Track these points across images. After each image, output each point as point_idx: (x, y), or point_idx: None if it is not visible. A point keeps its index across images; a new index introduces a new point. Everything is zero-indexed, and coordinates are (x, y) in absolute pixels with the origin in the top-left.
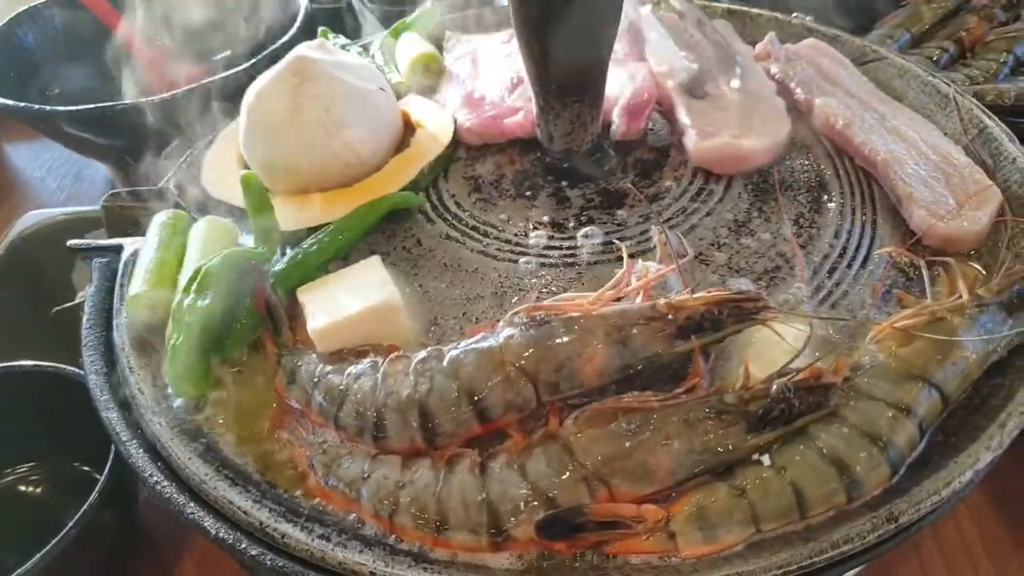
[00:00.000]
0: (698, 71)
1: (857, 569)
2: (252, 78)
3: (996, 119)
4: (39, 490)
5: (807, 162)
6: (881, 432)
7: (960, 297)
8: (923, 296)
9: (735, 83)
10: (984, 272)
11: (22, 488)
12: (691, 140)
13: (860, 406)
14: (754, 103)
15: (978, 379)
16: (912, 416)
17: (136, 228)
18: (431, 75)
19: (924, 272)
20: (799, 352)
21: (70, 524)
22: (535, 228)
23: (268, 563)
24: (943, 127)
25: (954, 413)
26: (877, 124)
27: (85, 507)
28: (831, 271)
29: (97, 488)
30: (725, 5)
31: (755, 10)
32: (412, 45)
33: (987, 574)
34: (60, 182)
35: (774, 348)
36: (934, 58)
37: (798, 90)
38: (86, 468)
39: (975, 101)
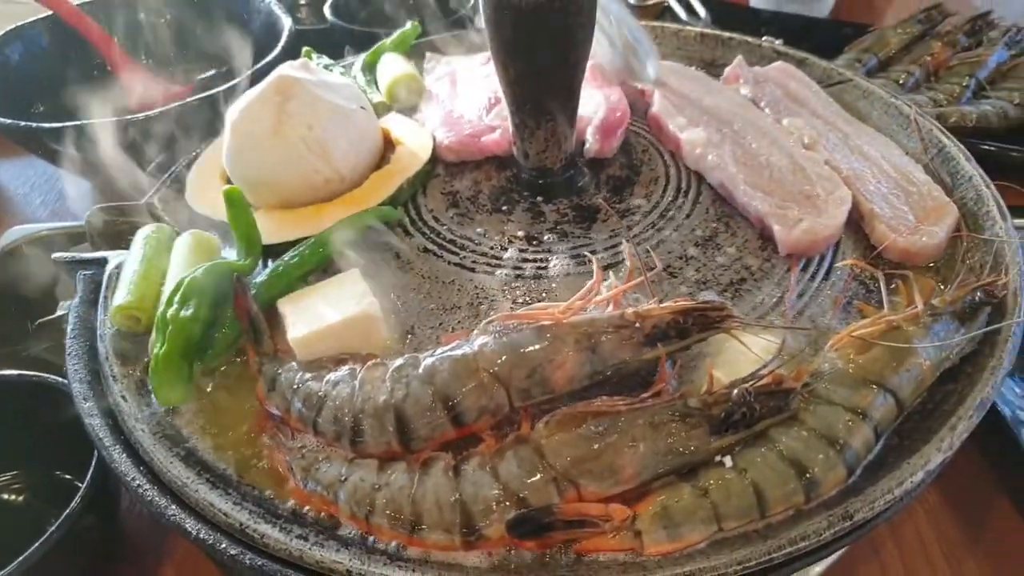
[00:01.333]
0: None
1: (818, 569)
2: (236, 96)
3: (954, 139)
4: (20, 499)
5: None
6: (838, 435)
7: (915, 307)
8: (882, 307)
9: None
10: (941, 285)
11: (4, 496)
12: (781, 229)
13: (819, 410)
14: (803, 170)
15: (932, 385)
16: (868, 420)
17: (120, 242)
18: (411, 95)
19: (882, 283)
20: (770, 363)
21: (52, 529)
22: (511, 242)
23: (248, 562)
24: (905, 147)
25: (909, 417)
26: (841, 143)
27: (67, 512)
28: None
29: (80, 493)
30: (699, 29)
31: (726, 33)
32: (392, 66)
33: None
34: (44, 198)
35: (741, 357)
36: (900, 81)
37: (766, 111)
38: (68, 477)
39: (935, 122)
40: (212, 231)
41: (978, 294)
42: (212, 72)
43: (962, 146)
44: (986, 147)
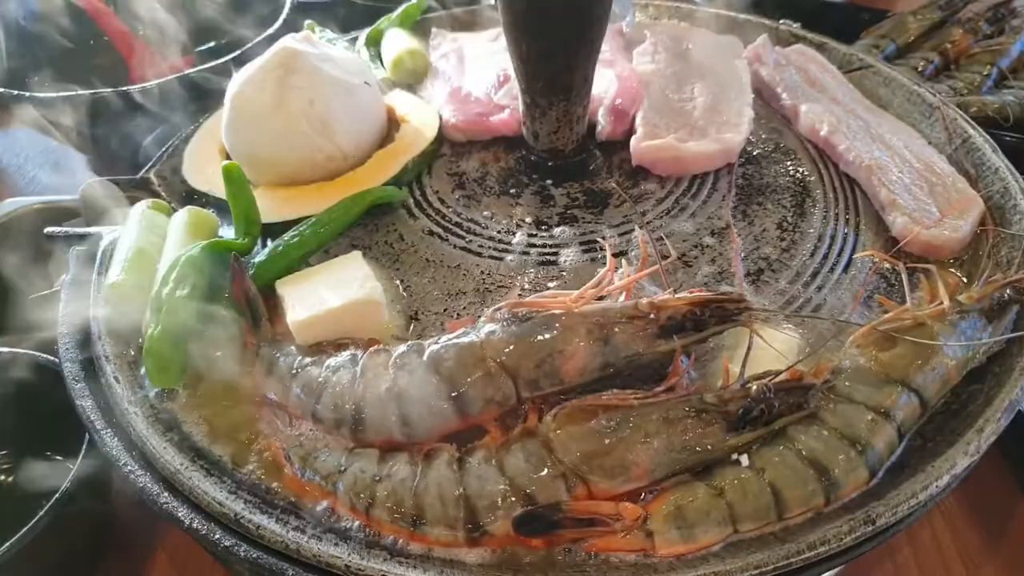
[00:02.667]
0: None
1: (833, 572)
2: (236, 69)
3: (980, 129)
4: (10, 479)
5: (792, 167)
6: (860, 435)
7: (941, 303)
8: (904, 303)
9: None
10: (965, 280)
11: None
12: (634, 138)
13: (840, 409)
14: (720, 109)
15: (957, 385)
16: (891, 420)
17: (115, 217)
18: (416, 71)
19: (903, 277)
20: (795, 362)
21: (41, 512)
22: (519, 226)
23: (242, 554)
24: (927, 136)
25: (933, 418)
26: (862, 131)
27: (57, 495)
28: (813, 275)
29: (70, 477)
30: (714, 11)
31: (743, 16)
32: (398, 40)
33: None
34: (39, 171)
35: (762, 353)
36: (919, 68)
37: (784, 95)
38: (59, 457)
39: (960, 111)
40: (210, 208)
41: (1007, 291)
42: (212, 44)
43: (988, 136)
44: (1008, 138)
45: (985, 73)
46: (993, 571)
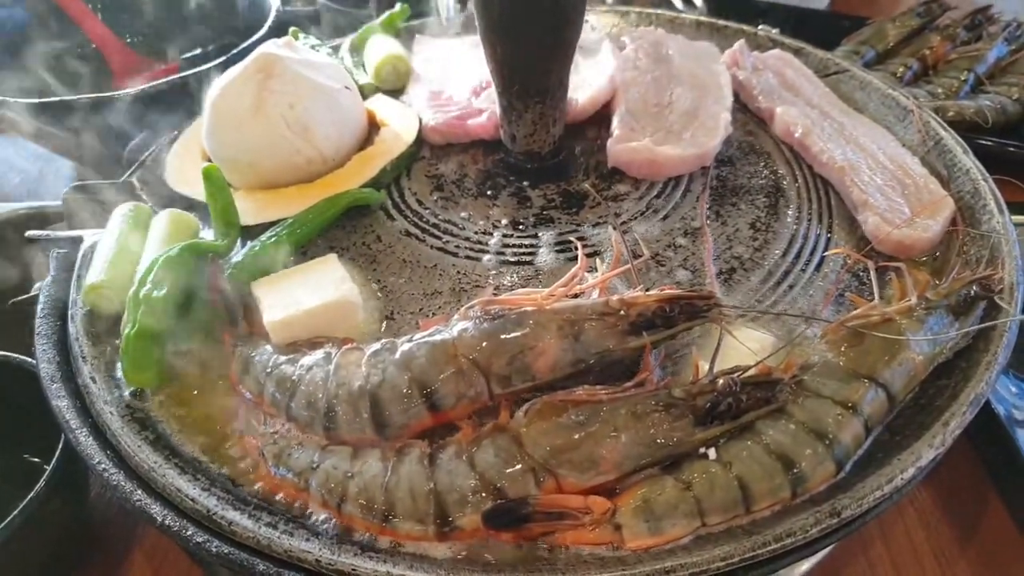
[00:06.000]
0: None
1: (805, 567)
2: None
3: (951, 131)
4: None
5: (766, 168)
6: (827, 429)
7: (909, 300)
8: (874, 299)
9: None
10: (935, 279)
11: None
12: (611, 140)
13: (808, 403)
14: (698, 114)
15: (924, 380)
16: (858, 414)
17: (98, 221)
18: (398, 76)
19: (872, 274)
20: (764, 357)
21: (15, 512)
22: (495, 227)
23: (214, 550)
24: (901, 138)
25: (901, 412)
26: (836, 134)
27: (31, 495)
28: (786, 274)
29: (44, 476)
30: (694, 17)
31: (722, 21)
32: (380, 46)
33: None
34: (23, 177)
35: (735, 351)
36: (898, 74)
37: (760, 98)
38: (36, 460)
39: (932, 114)
40: (191, 211)
41: (974, 288)
42: (198, 51)
43: (960, 139)
44: (984, 142)
45: (962, 79)
46: (966, 566)
